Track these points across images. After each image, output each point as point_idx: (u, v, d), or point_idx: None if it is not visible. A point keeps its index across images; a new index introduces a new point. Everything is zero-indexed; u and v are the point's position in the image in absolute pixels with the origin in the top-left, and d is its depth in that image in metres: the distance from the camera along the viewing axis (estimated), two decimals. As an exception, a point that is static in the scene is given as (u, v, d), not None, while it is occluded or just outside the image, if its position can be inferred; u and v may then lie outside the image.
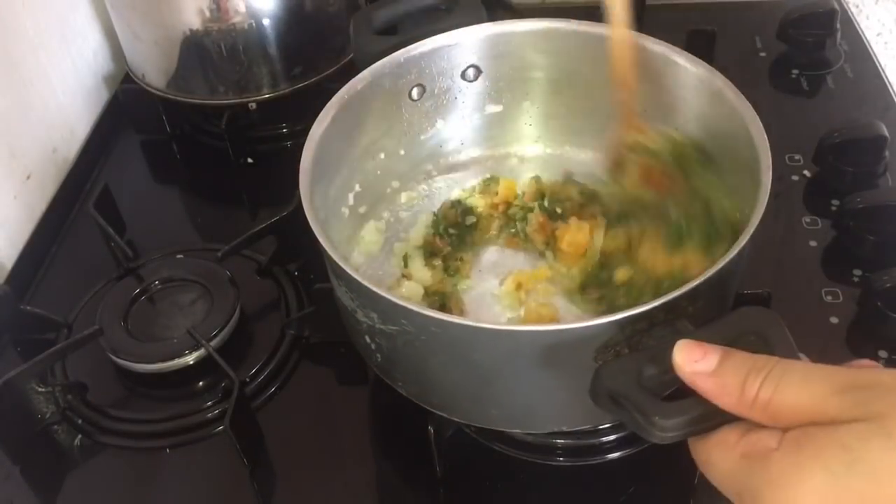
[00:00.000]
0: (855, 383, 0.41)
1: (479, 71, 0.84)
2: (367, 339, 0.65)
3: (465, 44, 0.81)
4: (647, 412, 0.48)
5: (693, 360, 0.46)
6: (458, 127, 0.87)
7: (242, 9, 0.98)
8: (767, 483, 0.42)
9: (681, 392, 0.49)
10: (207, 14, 0.98)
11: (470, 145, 0.89)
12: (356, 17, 0.83)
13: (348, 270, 0.59)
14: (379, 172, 0.83)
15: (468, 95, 0.86)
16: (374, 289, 0.58)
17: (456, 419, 0.67)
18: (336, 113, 0.74)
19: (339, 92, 0.75)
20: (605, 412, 0.53)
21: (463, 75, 0.84)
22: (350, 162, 0.79)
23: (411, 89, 0.81)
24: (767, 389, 0.43)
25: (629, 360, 0.52)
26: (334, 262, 0.61)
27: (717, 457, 0.45)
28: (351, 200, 0.81)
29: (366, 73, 0.77)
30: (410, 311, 0.57)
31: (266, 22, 0.99)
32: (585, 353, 0.55)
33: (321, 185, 0.71)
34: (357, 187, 0.81)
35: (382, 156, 0.83)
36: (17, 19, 0.97)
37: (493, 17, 0.84)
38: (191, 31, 0.99)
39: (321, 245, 0.62)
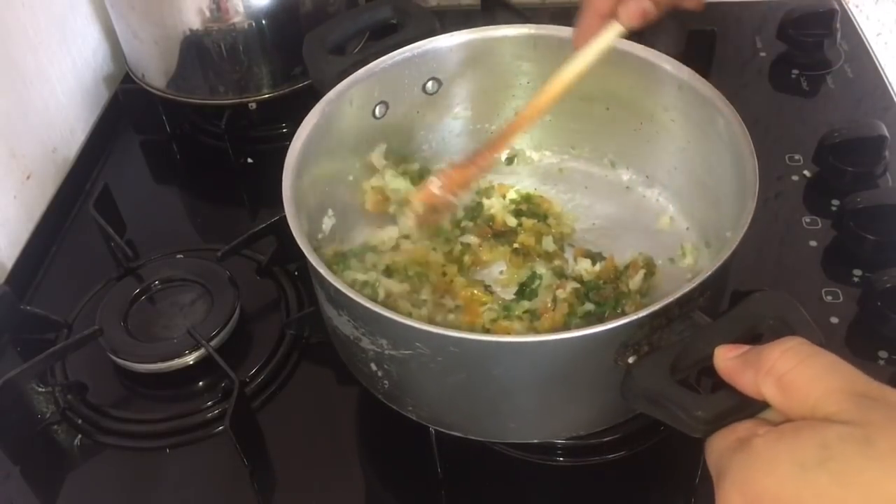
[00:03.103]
0: (866, 392, 0.42)
1: (439, 83, 0.83)
2: (374, 367, 0.64)
3: (423, 57, 0.81)
4: (689, 408, 0.48)
5: (728, 351, 0.48)
6: (423, 140, 0.87)
7: (242, 9, 0.98)
8: (740, 463, 0.43)
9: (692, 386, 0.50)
10: (207, 14, 0.98)
11: (436, 158, 0.88)
12: (308, 38, 0.81)
13: (359, 300, 0.58)
14: (349, 196, 0.82)
15: (430, 108, 0.85)
16: (388, 314, 0.57)
17: (472, 437, 0.66)
18: (307, 138, 0.72)
19: (308, 117, 0.74)
20: (634, 409, 0.53)
21: (424, 88, 0.83)
22: (322, 186, 0.77)
23: (375, 107, 0.80)
24: (788, 362, 0.44)
25: (659, 358, 0.53)
26: (338, 291, 0.59)
27: (718, 438, 0.46)
28: (325, 226, 0.79)
29: (331, 95, 0.76)
30: (428, 332, 0.56)
31: (266, 22, 0.99)
32: (606, 354, 0.55)
33: (301, 213, 0.69)
34: (330, 212, 0.79)
35: (351, 178, 0.82)
36: (17, 19, 0.97)
37: (493, 18, 0.84)
38: (191, 31, 0.99)
39: (323, 277, 0.60)
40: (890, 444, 0.39)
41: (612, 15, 0.66)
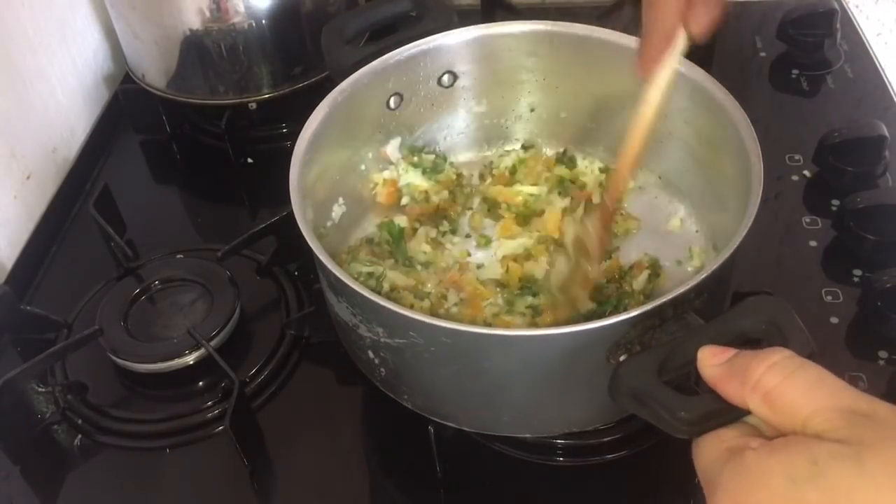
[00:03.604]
0: (855, 407, 0.42)
1: (454, 76, 0.84)
2: (371, 354, 0.64)
3: (439, 50, 0.81)
4: (672, 408, 0.48)
5: (712, 355, 0.48)
6: (437, 133, 0.87)
7: (242, 9, 0.98)
8: (732, 474, 0.43)
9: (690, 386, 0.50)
10: (207, 14, 0.98)
11: (450, 151, 0.88)
12: (327, 28, 0.81)
13: (355, 287, 0.58)
14: (360, 185, 0.83)
15: (445, 102, 0.85)
16: (383, 302, 0.58)
17: (465, 428, 0.66)
18: (318, 127, 0.73)
19: (320, 105, 0.74)
20: (624, 409, 0.53)
21: (439, 81, 0.83)
22: (333, 175, 0.78)
23: (389, 98, 0.81)
24: (775, 377, 0.44)
25: (647, 358, 0.52)
26: (336, 278, 0.60)
27: (707, 446, 0.46)
28: (335, 214, 0.80)
29: (345, 85, 0.76)
30: (420, 322, 0.57)
31: (266, 22, 0.99)
32: (598, 352, 0.55)
33: (308, 201, 0.70)
34: (340, 200, 0.80)
35: (363, 167, 0.83)
36: (17, 19, 0.97)
37: (493, 17, 0.84)
38: (191, 31, 0.99)
39: (323, 264, 0.61)
40: (879, 462, 0.39)
41: (676, 31, 0.59)
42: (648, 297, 0.73)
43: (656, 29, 0.59)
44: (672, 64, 0.61)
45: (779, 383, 0.44)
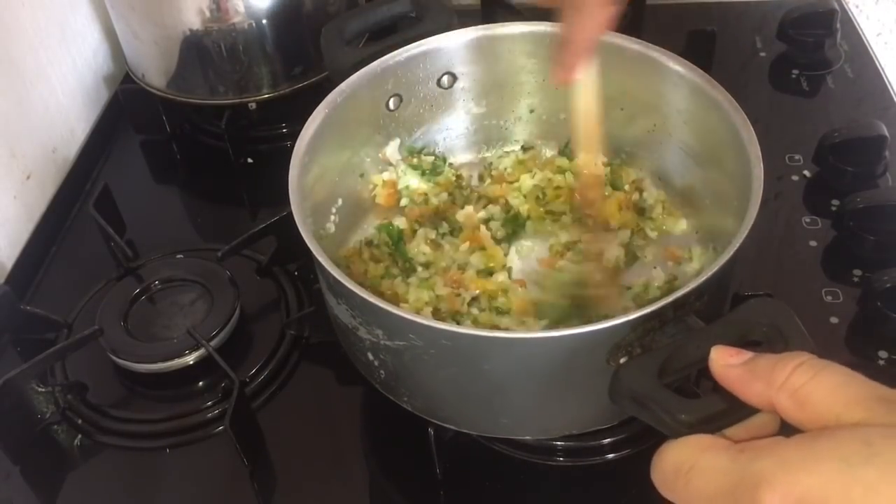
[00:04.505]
0: (890, 396, 0.41)
1: (454, 78, 0.84)
2: (370, 356, 0.64)
3: (439, 51, 0.81)
4: (672, 410, 0.48)
5: (728, 356, 0.47)
6: (436, 134, 0.87)
7: (242, 9, 0.98)
8: (776, 464, 0.40)
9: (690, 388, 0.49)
10: (207, 14, 0.98)
11: (449, 153, 0.88)
12: (326, 29, 0.81)
13: (353, 288, 0.58)
14: (359, 187, 0.83)
15: (444, 103, 0.85)
16: (382, 304, 0.57)
17: (465, 430, 0.66)
18: (317, 129, 0.73)
19: (319, 107, 0.74)
20: (624, 412, 0.53)
21: (439, 83, 0.83)
22: (332, 176, 0.78)
23: (388, 100, 0.81)
24: (802, 376, 0.43)
25: (647, 360, 0.52)
26: (335, 280, 0.60)
27: (708, 457, 0.44)
28: (334, 215, 0.80)
29: (344, 87, 0.76)
30: (420, 324, 0.57)
31: (266, 22, 0.99)
32: (598, 354, 0.55)
33: (307, 203, 0.70)
34: (340, 201, 0.80)
35: (362, 169, 0.83)
36: (17, 19, 0.97)
37: (493, 18, 0.84)
38: (191, 31, 0.99)
39: (322, 266, 0.61)
40: None
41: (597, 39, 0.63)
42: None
43: (580, 34, 0.63)
44: (591, 71, 0.66)
45: (807, 381, 0.43)
